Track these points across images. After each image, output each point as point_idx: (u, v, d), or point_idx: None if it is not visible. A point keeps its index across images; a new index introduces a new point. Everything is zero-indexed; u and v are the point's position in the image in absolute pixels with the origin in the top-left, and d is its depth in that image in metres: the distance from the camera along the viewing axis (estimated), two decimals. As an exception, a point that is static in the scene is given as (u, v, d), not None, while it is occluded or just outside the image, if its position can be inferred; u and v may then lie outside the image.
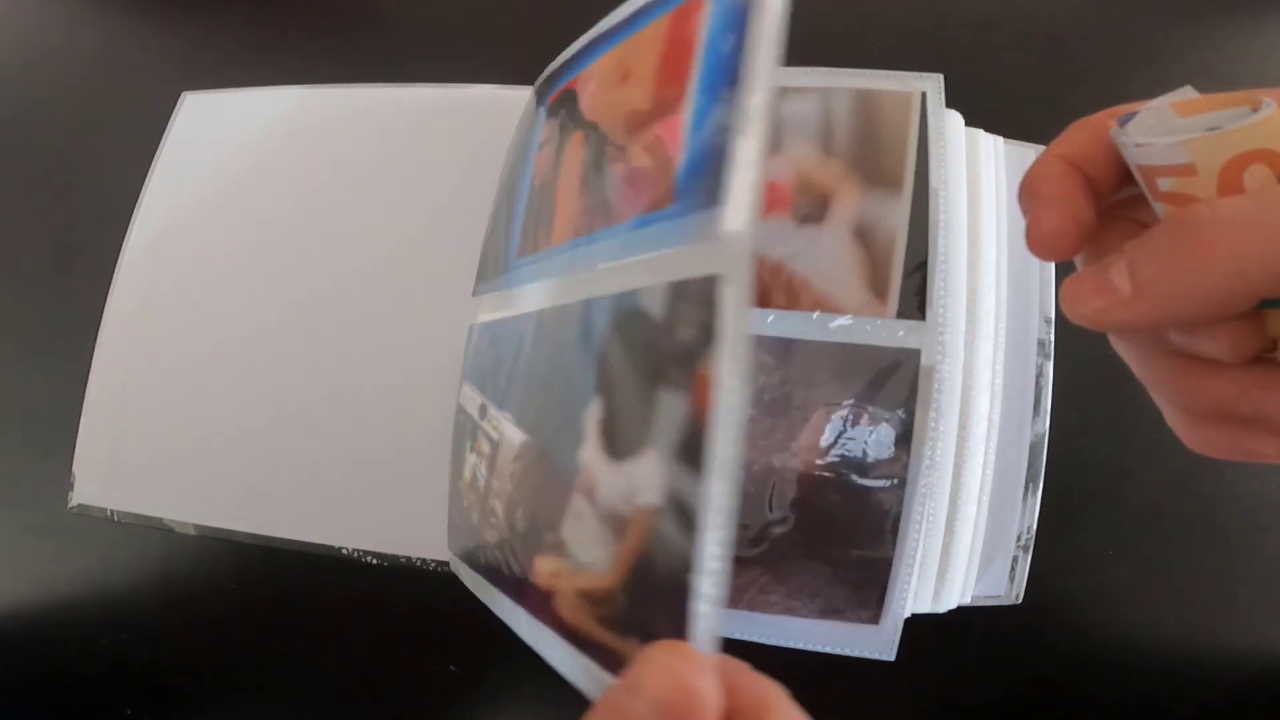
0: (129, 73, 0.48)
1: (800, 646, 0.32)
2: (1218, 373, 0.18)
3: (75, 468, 0.41)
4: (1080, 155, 0.20)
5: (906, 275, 0.32)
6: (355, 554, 0.38)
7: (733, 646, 0.33)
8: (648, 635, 0.18)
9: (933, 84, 0.34)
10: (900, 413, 0.31)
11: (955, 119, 0.35)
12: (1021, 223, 0.20)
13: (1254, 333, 0.17)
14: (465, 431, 0.35)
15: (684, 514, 0.18)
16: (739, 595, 0.32)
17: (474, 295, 0.38)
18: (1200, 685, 0.33)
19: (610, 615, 0.21)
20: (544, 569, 0.25)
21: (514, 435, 0.29)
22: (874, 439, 0.31)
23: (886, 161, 0.33)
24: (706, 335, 0.18)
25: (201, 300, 0.41)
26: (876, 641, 0.31)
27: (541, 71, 0.38)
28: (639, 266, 0.22)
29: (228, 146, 0.43)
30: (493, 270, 0.36)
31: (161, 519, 0.39)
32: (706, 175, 0.20)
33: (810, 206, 0.34)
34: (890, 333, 0.32)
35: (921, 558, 0.31)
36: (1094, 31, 0.41)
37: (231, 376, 0.40)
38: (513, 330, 0.31)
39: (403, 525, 0.37)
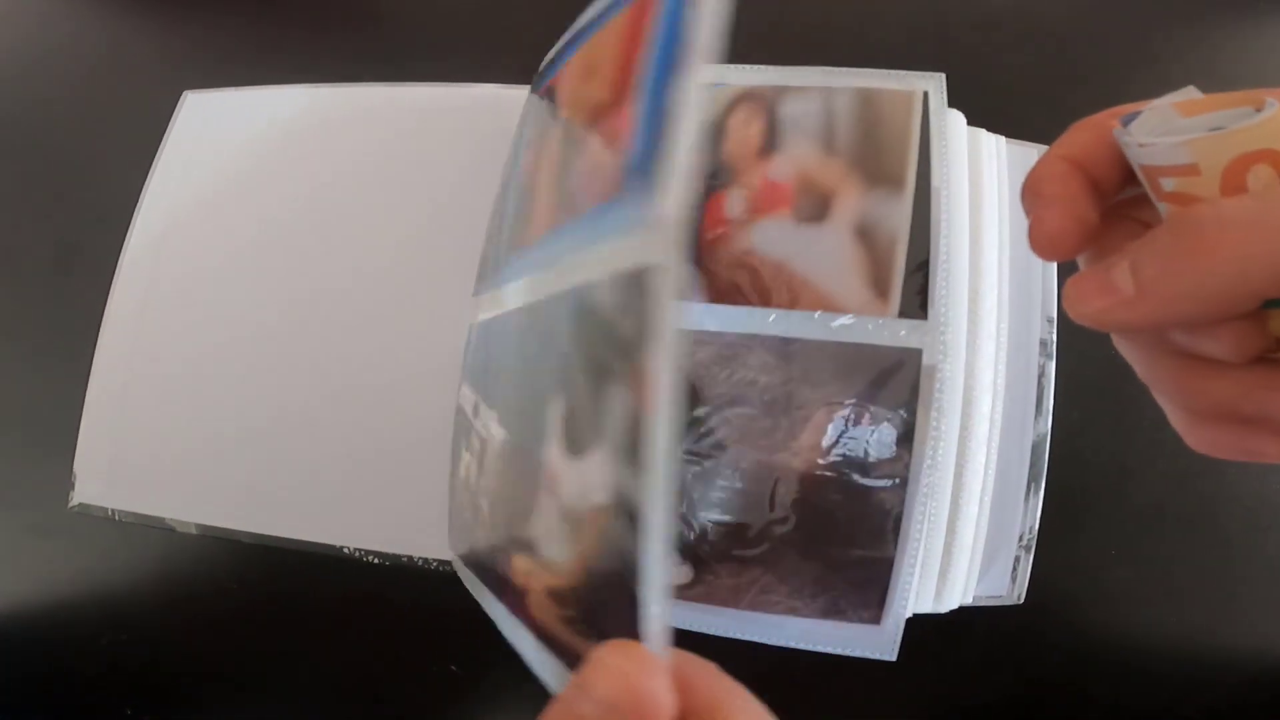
0: (130, 72, 0.48)
1: (801, 646, 0.32)
2: (1220, 373, 0.18)
3: (76, 467, 0.40)
4: (1083, 155, 0.20)
5: (908, 275, 0.32)
6: (357, 553, 0.38)
7: (734, 646, 0.33)
8: (603, 636, 0.18)
9: (935, 83, 0.34)
10: (902, 412, 0.31)
11: (957, 118, 0.35)
12: (1023, 222, 0.20)
13: (1257, 333, 0.17)
14: (462, 430, 0.35)
15: (630, 513, 0.17)
16: (740, 595, 0.32)
17: (474, 295, 0.38)
18: (1202, 685, 0.33)
19: (572, 615, 0.21)
20: (519, 567, 0.25)
21: (498, 433, 0.29)
22: (875, 438, 0.31)
23: (888, 161, 0.33)
24: (643, 327, 0.17)
25: (203, 299, 0.41)
26: (878, 641, 0.31)
27: (540, 69, 0.38)
28: (593, 259, 0.21)
29: (229, 146, 0.43)
30: (490, 269, 0.36)
31: (163, 518, 0.39)
32: (648, 165, 0.19)
33: (812, 206, 0.34)
34: (892, 332, 0.32)
35: (923, 558, 0.31)
36: (1095, 31, 0.41)
37: (233, 376, 0.40)
38: (500, 328, 0.31)
39: (404, 524, 0.37)
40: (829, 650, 0.32)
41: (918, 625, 0.31)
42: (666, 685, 0.17)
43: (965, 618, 0.33)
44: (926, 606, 0.32)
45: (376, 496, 0.38)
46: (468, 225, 0.39)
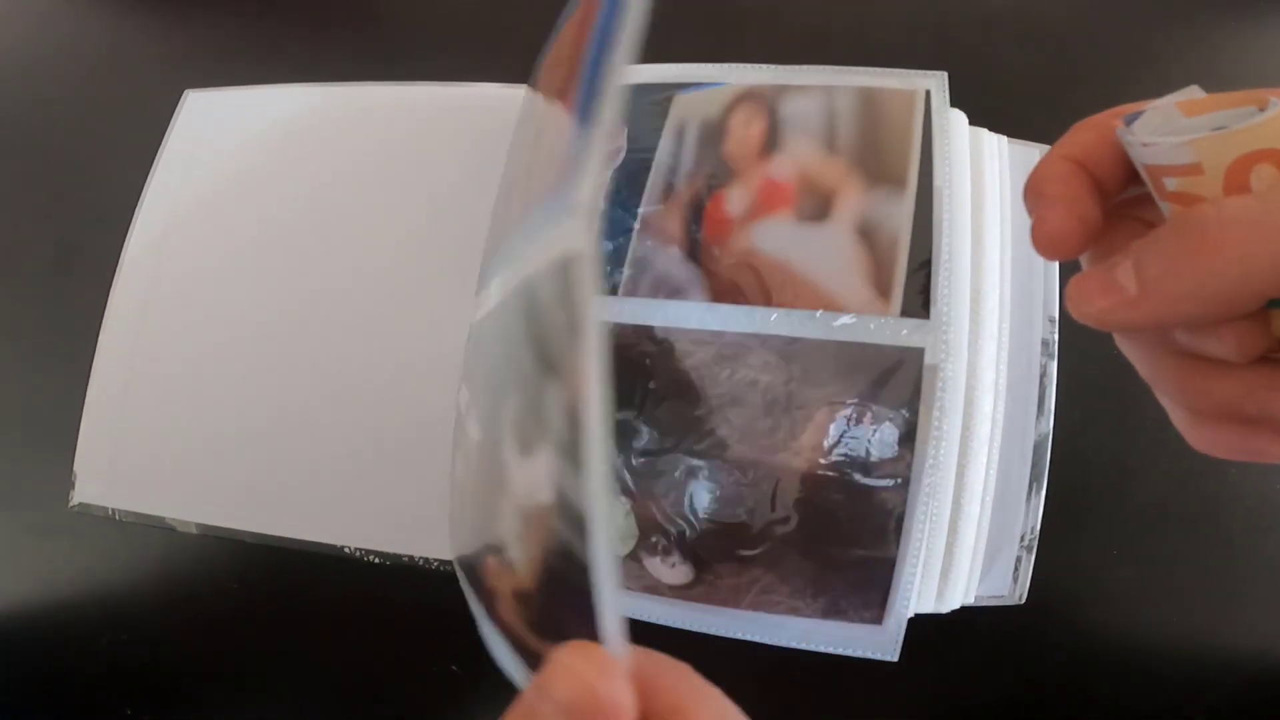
0: (130, 71, 0.48)
1: (803, 647, 0.32)
2: (1223, 373, 0.18)
3: (76, 467, 0.40)
4: (1086, 155, 0.20)
5: (910, 274, 0.32)
6: (357, 553, 0.37)
7: (735, 646, 0.33)
8: (563, 638, 0.18)
9: (936, 82, 0.34)
10: (904, 412, 0.31)
11: (959, 118, 0.35)
12: (1026, 222, 0.20)
13: (1260, 333, 0.17)
14: (459, 430, 0.35)
15: (572, 511, 0.17)
16: (741, 595, 0.32)
17: (476, 294, 0.38)
18: (1203, 686, 0.33)
19: (535, 618, 0.21)
20: (491, 569, 0.25)
21: (475, 433, 0.29)
22: (877, 438, 0.31)
23: (890, 160, 0.33)
24: (570, 317, 0.17)
25: (203, 299, 0.41)
26: (879, 641, 0.31)
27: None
28: (536, 251, 0.21)
29: (230, 145, 0.43)
30: (489, 267, 0.36)
31: (163, 518, 0.39)
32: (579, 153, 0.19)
33: (813, 205, 0.34)
34: (894, 331, 0.32)
35: (925, 557, 0.31)
36: (1096, 31, 0.41)
37: (234, 375, 0.40)
38: (483, 327, 0.31)
39: (404, 524, 0.37)
40: (830, 650, 0.32)
41: (919, 625, 0.31)
42: (625, 687, 0.16)
43: (967, 618, 0.33)
44: (928, 606, 0.32)
45: (377, 496, 0.38)
46: (468, 225, 0.39)
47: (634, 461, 0.33)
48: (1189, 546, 0.34)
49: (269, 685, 0.38)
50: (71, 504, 0.40)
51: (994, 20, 0.42)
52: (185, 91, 0.45)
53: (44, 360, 0.43)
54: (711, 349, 0.33)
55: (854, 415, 0.31)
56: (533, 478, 0.20)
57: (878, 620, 0.31)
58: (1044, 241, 0.20)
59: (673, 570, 0.32)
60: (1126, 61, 0.40)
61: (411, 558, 0.37)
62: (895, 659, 0.31)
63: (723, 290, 0.33)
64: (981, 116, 0.36)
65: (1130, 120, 0.19)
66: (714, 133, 0.36)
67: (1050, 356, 0.34)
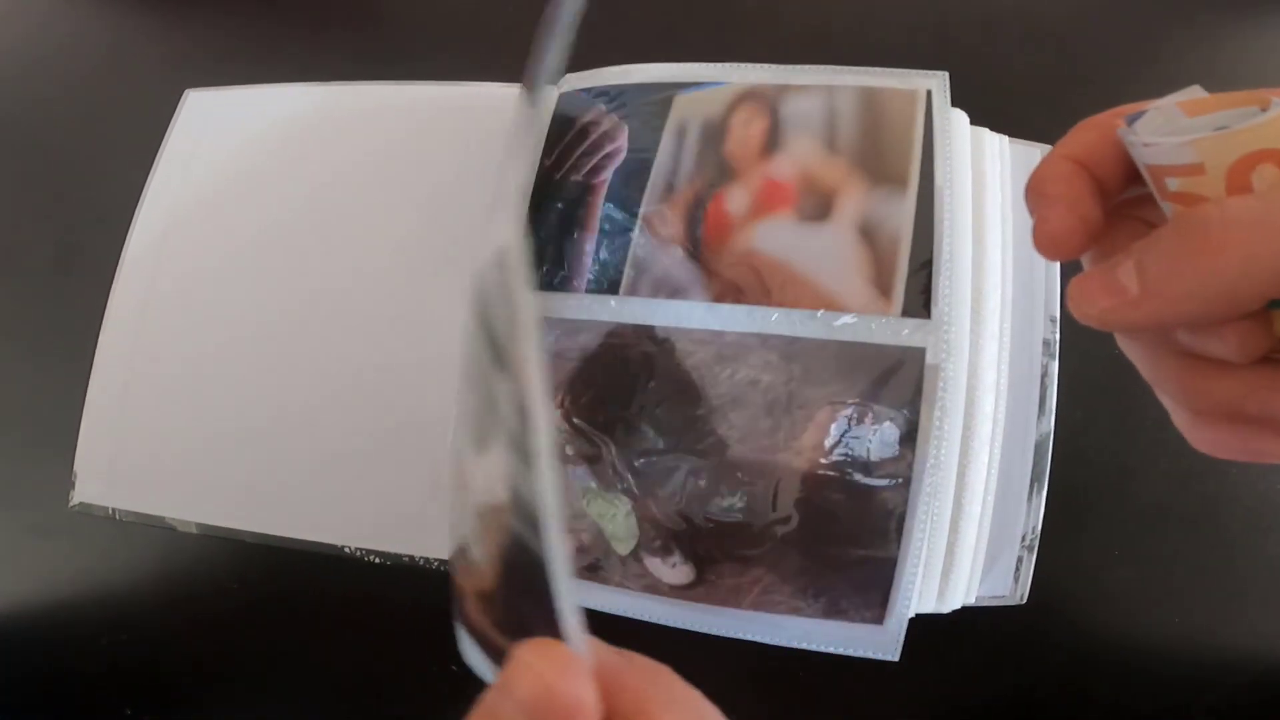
0: (131, 70, 0.48)
1: (804, 646, 0.32)
2: (1225, 373, 0.18)
3: (76, 466, 0.40)
4: (1087, 155, 0.20)
5: (911, 273, 0.32)
6: (358, 553, 0.37)
7: (736, 646, 0.33)
8: (527, 636, 0.18)
9: (937, 82, 0.34)
10: (905, 411, 0.31)
11: (960, 117, 0.35)
12: (1027, 222, 0.20)
13: (1262, 333, 0.17)
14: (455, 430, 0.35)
15: (526, 507, 0.17)
16: (742, 595, 0.32)
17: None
18: (1204, 686, 0.33)
19: (499, 618, 0.20)
20: (459, 568, 0.25)
21: (451, 433, 0.29)
22: (878, 438, 0.31)
23: (891, 159, 0.33)
24: (509, 309, 0.17)
25: (204, 298, 0.41)
26: (880, 641, 0.31)
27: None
28: (489, 241, 0.22)
29: (230, 144, 0.43)
30: None
31: (163, 518, 0.39)
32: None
33: (814, 205, 0.34)
34: (895, 331, 0.31)
35: (926, 557, 0.31)
36: (1097, 31, 0.41)
37: (234, 375, 0.40)
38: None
39: (405, 524, 0.37)
40: (831, 650, 0.32)
41: (920, 625, 0.31)
42: (586, 684, 0.16)
43: (968, 618, 0.33)
44: (929, 606, 0.32)
45: (377, 496, 0.38)
46: (467, 225, 0.39)
47: (635, 461, 0.33)
48: (1190, 547, 0.34)
49: (269, 685, 0.38)
50: (71, 504, 0.40)
51: (995, 20, 0.42)
52: (185, 91, 0.45)
53: (44, 360, 0.43)
54: (712, 349, 0.33)
55: (855, 415, 0.31)
56: (488, 475, 0.20)
57: (879, 620, 0.31)
58: (1045, 241, 0.20)
59: (673, 570, 0.32)
60: (1128, 61, 0.40)
61: (411, 558, 0.37)
62: (896, 659, 0.31)
63: (723, 290, 0.33)
64: (983, 116, 0.36)
65: (1132, 120, 0.19)
66: (715, 132, 0.36)
67: (1051, 356, 0.34)
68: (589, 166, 0.36)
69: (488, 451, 0.20)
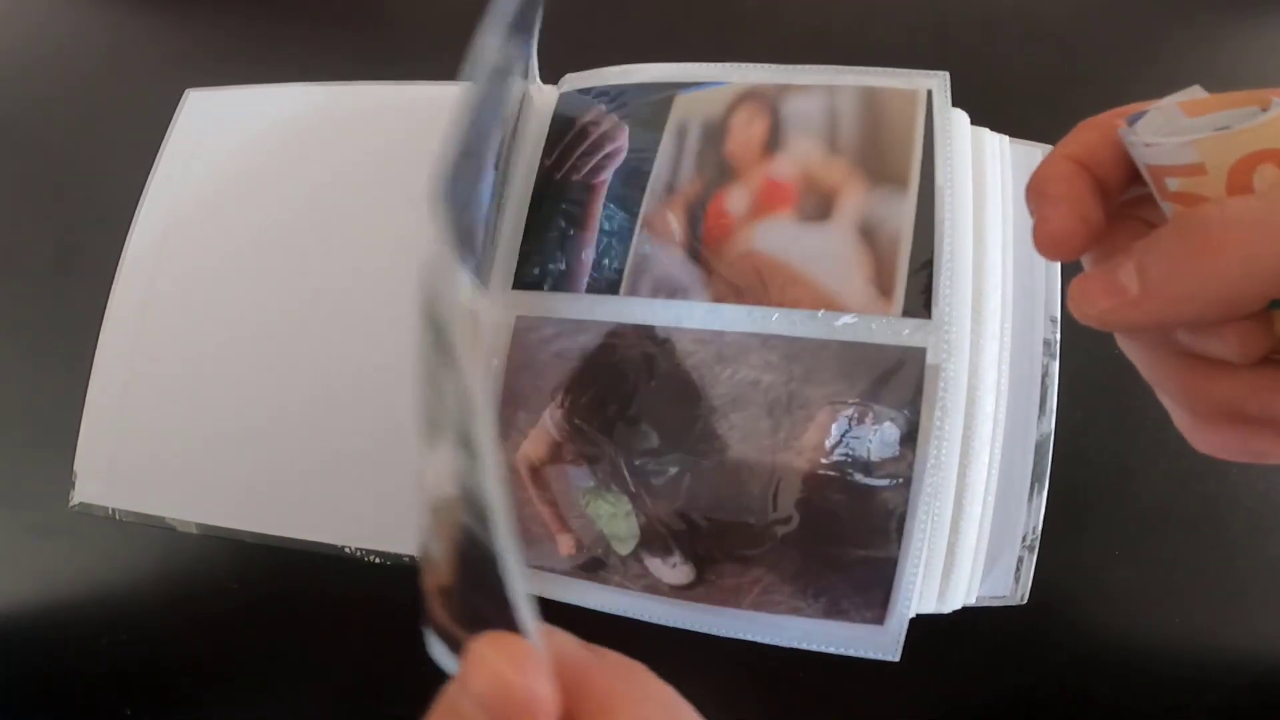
0: (131, 70, 0.48)
1: (804, 647, 0.32)
2: (1225, 373, 0.18)
3: (76, 466, 0.40)
4: (1088, 155, 0.20)
5: (912, 273, 0.32)
6: (358, 553, 0.37)
7: (737, 646, 0.33)
8: (485, 630, 0.18)
9: (938, 82, 0.34)
10: (905, 412, 0.31)
11: (961, 117, 0.35)
12: (1027, 222, 0.20)
13: (1263, 333, 0.17)
14: None
15: (475, 501, 0.17)
16: (742, 595, 0.32)
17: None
18: (1204, 687, 0.33)
19: (459, 613, 0.20)
20: (423, 566, 0.25)
21: None
22: (879, 438, 0.31)
23: (892, 159, 0.33)
24: (444, 301, 0.17)
25: (204, 298, 0.41)
26: (881, 642, 0.31)
27: (542, 69, 0.38)
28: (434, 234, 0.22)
29: (231, 144, 0.43)
30: None
31: (163, 518, 0.39)
32: None
33: (815, 205, 0.34)
34: (895, 331, 0.31)
35: (926, 557, 0.31)
36: (1098, 31, 0.41)
37: (234, 375, 0.40)
38: None
39: (405, 524, 0.37)
40: (831, 650, 0.32)
41: (921, 626, 0.31)
42: (543, 679, 0.16)
43: (968, 618, 0.33)
44: (929, 607, 0.32)
45: (377, 496, 0.38)
46: (469, 225, 0.39)
47: (635, 461, 0.33)
48: (1190, 547, 0.34)
49: (269, 685, 0.38)
50: (71, 504, 0.40)
51: (996, 20, 0.42)
52: (186, 91, 0.45)
53: (44, 360, 0.43)
54: (712, 349, 0.33)
55: (855, 415, 0.31)
56: (438, 470, 0.20)
57: (879, 620, 0.31)
58: (1046, 242, 0.20)
59: (674, 570, 0.32)
60: (1128, 61, 0.40)
61: (412, 558, 0.37)
62: (896, 659, 0.31)
63: (724, 290, 0.33)
64: (983, 116, 0.36)
65: (1133, 120, 0.19)
66: (716, 132, 0.36)
67: (1052, 356, 0.34)
68: (589, 166, 0.36)
69: (438, 447, 0.19)
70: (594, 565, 0.33)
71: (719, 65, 0.37)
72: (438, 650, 0.22)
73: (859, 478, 0.31)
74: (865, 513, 0.31)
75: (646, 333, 0.34)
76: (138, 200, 0.43)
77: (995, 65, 0.40)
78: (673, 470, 0.32)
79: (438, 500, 0.20)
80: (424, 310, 0.21)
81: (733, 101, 0.36)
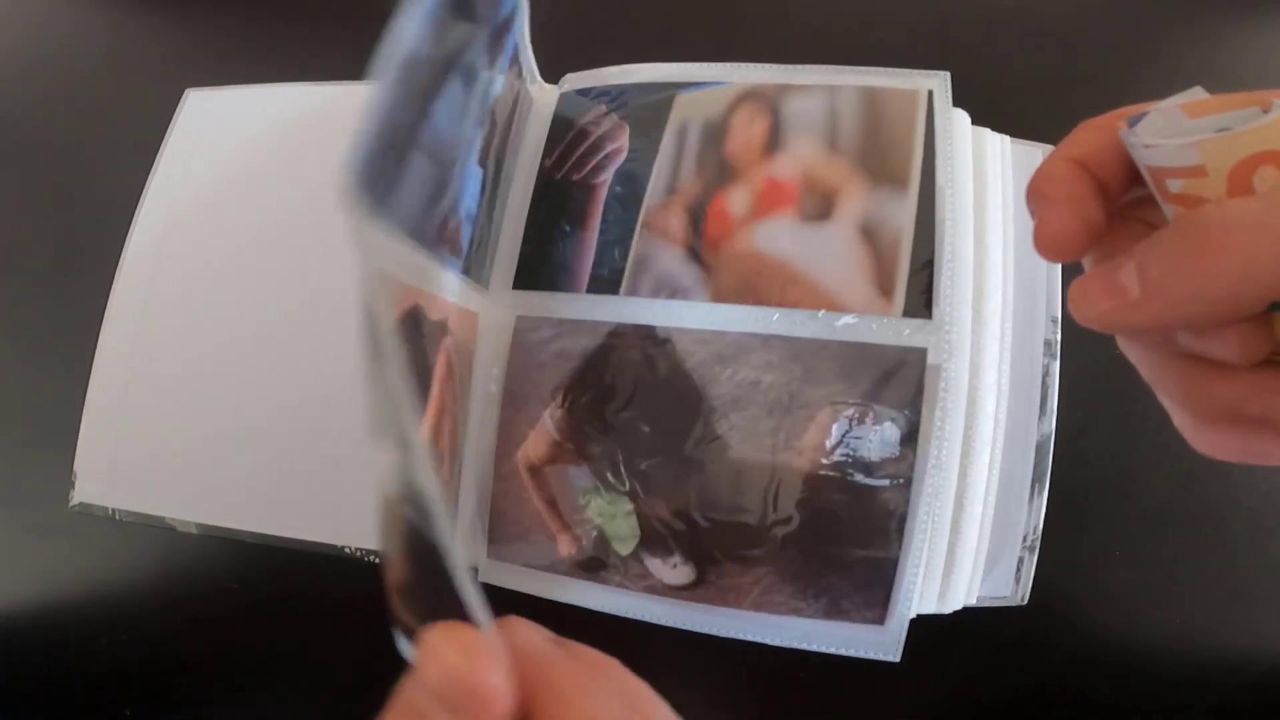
0: (131, 70, 0.48)
1: (805, 647, 0.32)
2: (1226, 375, 0.18)
3: (76, 466, 0.40)
4: (1089, 156, 0.20)
5: (913, 274, 0.32)
6: (357, 553, 0.37)
7: (737, 646, 0.33)
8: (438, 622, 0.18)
9: (939, 82, 0.34)
10: (906, 412, 0.31)
11: (962, 117, 0.35)
12: (1028, 222, 0.20)
13: (1263, 335, 0.17)
14: None
15: (415, 496, 0.17)
16: (743, 595, 0.32)
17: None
18: (1205, 687, 0.33)
19: (417, 609, 0.20)
20: (385, 563, 0.25)
21: None
22: (879, 438, 0.31)
23: (893, 159, 0.33)
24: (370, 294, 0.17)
25: (204, 298, 0.41)
26: (881, 642, 0.31)
27: (542, 69, 0.38)
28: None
29: (231, 144, 0.43)
30: None
31: (163, 517, 0.39)
32: None
33: (816, 205, 0.34)
34: (896, 331, 0.31)
35: (927, 558, 0.31)
36: (1099, 32, 0.41)
37: (234, 374, 0.40)
38: None
39: (405, 525, 0.37)
40: (832, 651, 0.32)
41: (921, 626, 0.31)
42: (495, 668, 0.16)
43: (969, 618, 0.33)
44: (930, 607, 0.32)
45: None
46: (469, 225, 0.39)
47: (635, 461, 0.33)
48: (1191, 548, 0.34)
49: (269, 685, 0.38)
50: (71, 504, 0.40)
51: (996, 20, 0.41)
52: (187, 90, 0.45)
53: (44, 360, 0.43)
54: (713, 349, 0.33)
55: (856, 415, 0.31)
56: (382, 467, 0.20)
57: (880, 621, 0.31)
58: (1046, 243, 0.20)
59: (674, 571, 0.32)
60: (1129, 62, 0.40)
61: (412, 558, 0.37)
62: (897, 659, 0.31)
63: (724, 290, 0.33)
64: (984, 117, 0.36)
65: (1134, 122, 0.19)
66: (716, 132, 0.36)
67: (1053, 357, 0.34)
68: (590, 166, 0.36)
69: (381, 444, 0.20)
70: (594, 565, 0.33)
71: (719, 65, 0.37)
72: (404, 647, 0.22)
73: (860, 478, 0.31)
74: (866, 513, 0.31)
75: (647, 333, 0.33)
76: (138, 200, 0.43)
77: (996, 65, 0.40)
78: (673, 470, 0.32)
79: (386, 497, 0.20)
80: (362, 307, 0.21)
81: (733, 101, 0.36)
